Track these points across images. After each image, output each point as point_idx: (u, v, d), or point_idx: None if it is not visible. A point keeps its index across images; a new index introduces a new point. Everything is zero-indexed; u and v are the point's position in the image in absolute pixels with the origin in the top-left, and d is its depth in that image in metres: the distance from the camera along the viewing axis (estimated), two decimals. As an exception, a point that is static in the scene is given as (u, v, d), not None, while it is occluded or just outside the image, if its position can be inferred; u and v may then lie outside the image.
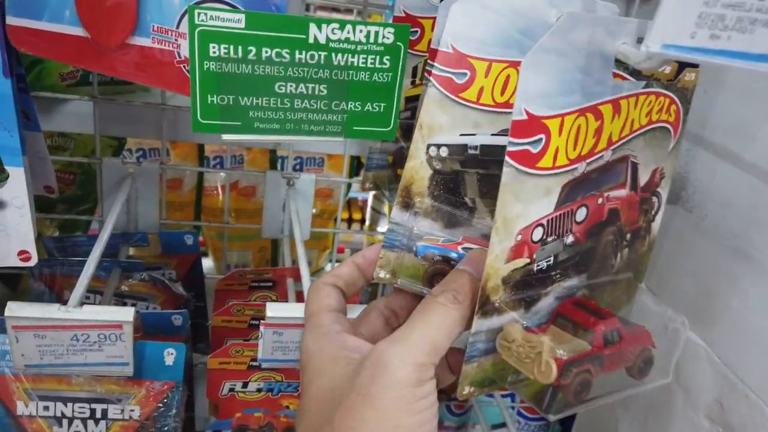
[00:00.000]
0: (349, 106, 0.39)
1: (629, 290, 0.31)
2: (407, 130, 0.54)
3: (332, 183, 0.96)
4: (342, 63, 0.38)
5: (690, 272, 0.57)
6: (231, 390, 0.52)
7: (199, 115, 0.36)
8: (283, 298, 0.61)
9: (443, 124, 0.32)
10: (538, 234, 0.27)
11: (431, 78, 0.31)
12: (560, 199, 0.27)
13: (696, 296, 0.56)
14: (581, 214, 0.28)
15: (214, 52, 0.35)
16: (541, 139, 0.25)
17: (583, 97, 0.27)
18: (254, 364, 0.51)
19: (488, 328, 0.28)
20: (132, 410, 0.48)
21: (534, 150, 0.25)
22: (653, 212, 0.31)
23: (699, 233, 0.56)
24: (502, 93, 0.31)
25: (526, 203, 0.26)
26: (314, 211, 1.02)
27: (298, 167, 0.96)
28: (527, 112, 0.24)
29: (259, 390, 0.53)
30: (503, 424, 0.87)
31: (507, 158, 0.24)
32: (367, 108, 0.39)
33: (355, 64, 0.38)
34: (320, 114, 0.39)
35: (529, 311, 0.29)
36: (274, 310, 0.45)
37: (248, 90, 0.37)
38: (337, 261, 1.41)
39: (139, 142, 0.90)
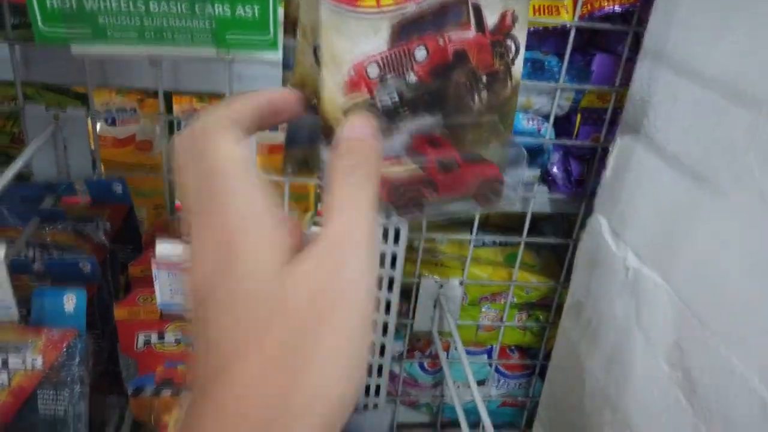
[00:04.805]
0: (216, 9, 0.34)
1: (494, 132, 0.33)
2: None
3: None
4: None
5: (652, 206, 0.51)
6: (147, 343, 0.49)
7: (40, 22, 0.33)
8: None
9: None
10: (373, 70, 0.27)
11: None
12: (392, 38, 0.28)
13: (658, 232, 0.50)
14: (420, 53, 0.29)
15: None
16: None
17: None
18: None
19: None
20: (34, 359, 0.45)
21: None
22: (511, 55, 0.32)
23: (661, 162, 0.50)
24: None
25: (352, 40, 0.26)
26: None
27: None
28: None
29: (177, 341, 0.50)
30: (482, 382, 0.82)
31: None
32: (238, 12, 0.35)
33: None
34: (183, 19, 0.34)
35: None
36: (164, 248, 0.42)
37: (92, -9, 0.33)
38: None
39: (106, 102, 0.87)
